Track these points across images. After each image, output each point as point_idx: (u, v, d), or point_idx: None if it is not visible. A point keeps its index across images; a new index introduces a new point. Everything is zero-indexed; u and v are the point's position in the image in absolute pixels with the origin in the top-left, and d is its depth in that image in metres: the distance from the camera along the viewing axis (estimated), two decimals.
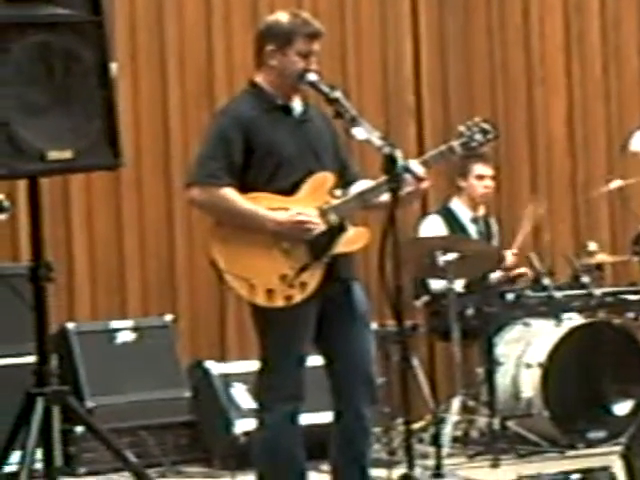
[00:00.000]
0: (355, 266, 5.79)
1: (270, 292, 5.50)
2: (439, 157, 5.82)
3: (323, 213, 5.57)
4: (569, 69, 9.25)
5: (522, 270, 8.15)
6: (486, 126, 5.80)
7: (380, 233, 5.42)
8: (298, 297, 5.53)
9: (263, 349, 5.68)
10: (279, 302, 5.52)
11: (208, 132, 5.78)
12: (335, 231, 5.61)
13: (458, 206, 8.25)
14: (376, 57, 8.80)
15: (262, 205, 5.54)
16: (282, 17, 5.69)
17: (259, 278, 5.51)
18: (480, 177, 8.22)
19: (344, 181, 5.72)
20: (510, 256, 8.02)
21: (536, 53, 9.18)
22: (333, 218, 5.59)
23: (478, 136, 5.80)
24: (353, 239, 5.68)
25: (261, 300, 5.52)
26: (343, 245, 5.65)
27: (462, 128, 5.80)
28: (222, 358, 7.63)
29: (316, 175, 5.62)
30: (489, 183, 8.25)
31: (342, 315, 5.70)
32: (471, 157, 7.81)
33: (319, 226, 5.53)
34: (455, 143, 5.76)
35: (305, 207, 5.55)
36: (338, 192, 5.66)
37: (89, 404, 7.18)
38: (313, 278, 5.55)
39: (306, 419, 5.79)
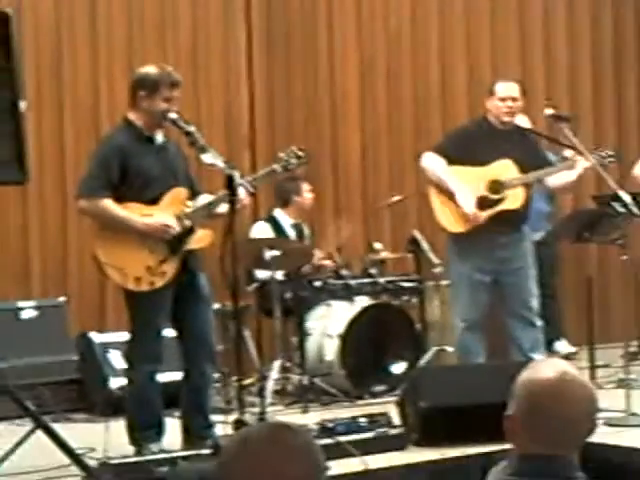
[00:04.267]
0: (201, 260, 5.86)
1: (138, 279, 5.60)
2: (267, 174, 5.95)
3: (179, 219, 5.69)
4: (363, 109, 9.32)
5: (326, 262, 8.19)
6: (299, 153, 5.98)
7: (222, 235, 5.46)
8: (159, 283, 5.63)
9: (132, 323, 5.79)
10: (145, 287, 5.62)
11: (92, 156, 5.88)
12: (187, 232, 5.72)
13: (281, 215, 8.28)
14: (221, 101, 8.79)
15: (134, 212, 5.62)
16: (151, 70, 5.77)
17: (130, 268, 5.59)
18: (309, 192, 8.31)
19: (191, 194, 5.81)
20: (318, 253, 8.06)
21: (339, 96, 9.24)
22: (186, 222, 5.66)
23: (294, 160, 5.98)
24: (201, 239, 5.82)
25: (131, 285, 5.62)
26: (193, 243, 5.77)
27: (281, 154, 6.01)
28: (102, 330, 7.59)
29: (174, 190, 5.70)
30: (312, 195, 8.38)
31: (190, 298, 5.81)
32: (300, 179, 7.91)
33: (175, 228, 5.61)
34: (276, 166, 5.93)
35: (164, 214, 5.66)
36: (190, 203, 5.78)
37: None
38: (171, 268, 5.67)
39: (163, 377, 5.85)
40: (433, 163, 6.91)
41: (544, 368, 2.50)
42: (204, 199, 5.86)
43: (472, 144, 6.88)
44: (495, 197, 6.80)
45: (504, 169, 6.85)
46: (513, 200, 6.84)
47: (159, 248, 5.64)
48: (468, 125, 7.29)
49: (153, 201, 5.67)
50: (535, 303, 6.94)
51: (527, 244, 7.02)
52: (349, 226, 8.44)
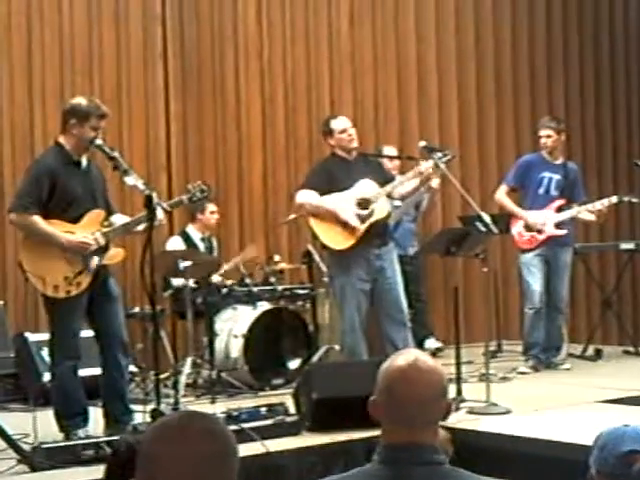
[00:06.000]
0: (109, 265, 5.82)
1: (56, 287, 5.60)
2: (175, 204, 5.97)
3: (95, 237, 5.60)
4: (264, 143, 9.33)
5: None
6: (204, 187, 6.03)
7: (141, 248, 5.45)
8: (74, 292, 5.59)
9: (51, 325, 5.74)
10: (61, 294, 5.59)
11: (25, 175, 5.83)
12: (102, 249, 5.66)
13: (192, 230, 8.26)
14: (142, 131, 8.71)
15: (57, 228, 5.55)
16: (82, 101, 5.73)
17: (49, 277, 5.56)
18: (212, 212, 8.27)
19: (107, 214, 5.78)
20: (225, 268, 8.03)
21: (243, 128, 9.22)
22: (102, 241, 5.64)
23: (198, 193, 6.02)
24: (114, 256, 5.84)
25: (50, 292, 5.59)
26: (107, 259, 5.77)
27: (189, 187, 6.09)
28: (36, 330, 7.44)
29: (93, 211, 5.69)
30: (216, 216, 8.30)
31: (103, 299, 5.81)
32: (208, 200, 7.86)
33: (92, 246, 5.58)
34: (184, 197, 6.02)
35: (85, 232, 5.60)
36: (106, 223, 5.76)
37: None
38: (85, 279, 5.64)
39: (84, 372, 5.85)
40: (307, 196, 6.93)
41: (399, 358, 2.50)
42: (119, 219, 5.87)
43: (331, 176, 6.94)
44: (365, 212, 6.88)
45: (366, 187, 6.93)
46: (380, 211, 6.92)
47: (76, 261, 5.60)
48: (322, 162, 7.30)
49: (75, 220, 5.64)
50: (405, 307, 7.00)
51: (395, 257, 7.10)
52: (254, 248, 8.42)
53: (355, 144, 7.02)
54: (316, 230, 6.94)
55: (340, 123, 7.04)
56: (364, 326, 6.96)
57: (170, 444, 1.94)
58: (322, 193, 6.90)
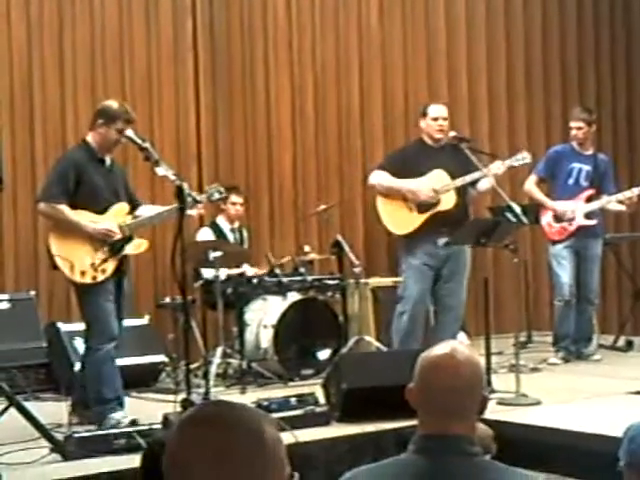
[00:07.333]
0: (131, 266, 6.14)
1: (83, 273, 5.76)
2: (189, 204, 5.95)
3: (120, 228, 5.82)
4: (294, 133, 9.32)
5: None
6: (221, 189, 6.33)
7: (172, 239, 5.48)
8: (100, 277, 5.77)
9: (82, 312, 5.89)
10: (88, 280, 5.74)
11: (53, 168, 6.11)
12: (126, 239, 5.87)
13: (222, 221, 8.26)
14: (172, 122, 8.70)
15: (83, 218, 5.77)
16: (113, 104, 6.00)
17: (77, 263, 5.73)
18: (233, 203, 8.24)
19: (132, 206, 6.00)
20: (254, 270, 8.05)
21: (273, 119, 9.21)
22: (126, 231, 5.77)
23: (216, 194, 6.29)
24: (137, 246, 6.00)
25: (77, 278, 5.76)
26: (131, 249, 5.93)
27: (206, 188, 6.42)
28: (68, 320, 7.48)
29: (117, 204, 5.87)
30: (239, 208, 8.28)
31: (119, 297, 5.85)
32: (233, 190, 7.86)
33: (117, 235, 5.69)
34: (203, 196, 6.20)
35: (110, 222, 5.80)
36: (129, 216, 5.95)
37: None
38: (110, 266, 5.80)
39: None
40: (380, 177, 7.06)
41: (438, 347, 2.51)
42: (146, 210, 6.05)
43: (408, 160, 7.05)
44: (431, 202, 6.93)
45: (437, 177, 6.96)
46: (446, 202, 6.95)
47: (102, 249, 5.78)
48: (405, 146, 7.47)
49: (100, 212, 5.83)
50: (463, 299, 7.07)
51: (466, 248, 7.07)
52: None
53: (441, 135, 7.07)
54: (381, 212, 7.05)
55: (435, 110, 7.16)
56: (426, 314, 7.01)
57: (200, 434, 1.72)
58: (394, 175, 6.96)
